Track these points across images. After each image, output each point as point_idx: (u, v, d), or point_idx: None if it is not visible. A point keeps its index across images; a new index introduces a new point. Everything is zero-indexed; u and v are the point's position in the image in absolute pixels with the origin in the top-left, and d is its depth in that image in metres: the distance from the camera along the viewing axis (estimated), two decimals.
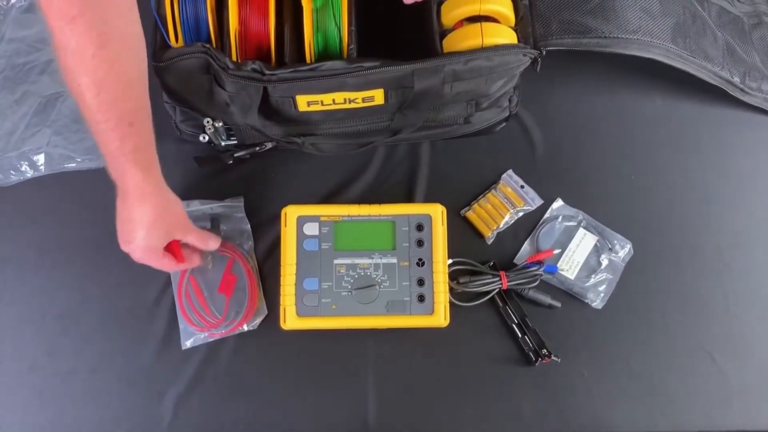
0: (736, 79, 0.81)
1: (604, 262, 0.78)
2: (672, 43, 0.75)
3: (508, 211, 0.78)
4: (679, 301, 0.78)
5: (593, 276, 0.77)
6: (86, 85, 0.56)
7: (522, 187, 0.80)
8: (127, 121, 0.59)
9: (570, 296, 0.77)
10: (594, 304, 0.77)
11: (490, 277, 0.75)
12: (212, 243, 0.73)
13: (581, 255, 0.78)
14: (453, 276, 0.75)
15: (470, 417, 0.74)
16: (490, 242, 0.78)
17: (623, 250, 0.78)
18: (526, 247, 0.79)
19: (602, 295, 0.77)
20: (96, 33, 0.55)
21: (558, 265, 0.77)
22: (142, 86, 0.60)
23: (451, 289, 0.74)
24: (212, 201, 0.79)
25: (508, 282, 0.75)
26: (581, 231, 0.79)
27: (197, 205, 0.79)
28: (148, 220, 0.64)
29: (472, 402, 0.74)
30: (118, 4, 0.57)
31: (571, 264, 0.78)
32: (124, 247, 0.67)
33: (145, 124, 0.61)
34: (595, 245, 0.78)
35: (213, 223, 0.78)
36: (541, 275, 0.76)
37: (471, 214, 0.79)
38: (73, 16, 0.53)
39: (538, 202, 0.80)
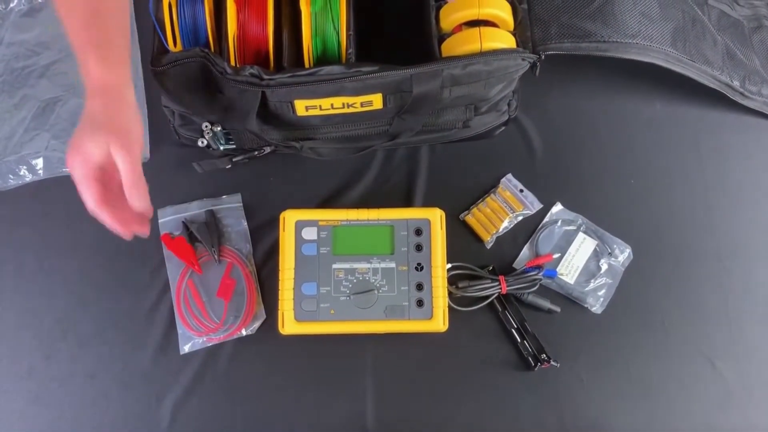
0: (736, 83, 0.81)
1: (604, 267, 0.78)
2: (671, 47, 0.75)
3: (508, 215, 0.78)
4: (679, 306, 0.77)
5: (593, 281, 0.77)
6: None
7: (521, 191, 0.80)
8: (96, 8, 0.58)
9: (569, 301, 0.77)
10: (593, 309, 0.76)
11: (489, 281, 0.75)
12: (137, 199, 0.58)
13: (581, 259, 0.78)
14: (452, 281, 0.75)
15: (469, 421, 0.74)
16: (489, 246, 0.78)
17: (623, 254, 0.78)
18: (525, 251, 0.79)
19: (602, 299, 0.77)
20: None
21: (557, 270, 0.77)
22: None
23: (450, 294, 0.74)
24: (210, 199, 0.79)
25: (508, 287, 0.74)
26: (581, 235, 0.79)
27: (197, 206, 0.79)
28: (92, 111, 0.57)
29: (470, 407, 0.74)
30: None
31: (570, 269, 0.78)
32: (68, 149, 0.58)
33: (115, 17, 0.60)
34: (595, 249, 0.78)
35: (208, 216, 0.78)
36: (541, 280, 0.75)
37: (470, 219, 0.79)
38: None
39: (538, 206, 0.80)
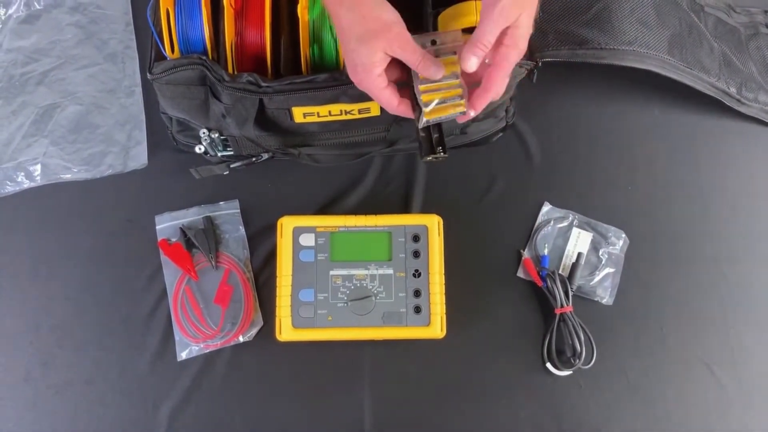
0: (733, 90, 0.81)
1: (604, 257, 0.78)
2: (668, 54, 0.75)
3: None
4: (677, 312, 0.77)
5: (597, 272, 0.77)
6: None
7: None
8: None
9: (578, 298, 0.77)
10: (604, 301, 0.77)
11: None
12: (432, 70, 0.58)
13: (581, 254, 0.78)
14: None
15: (467, 428, 0.74)
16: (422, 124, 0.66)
17: (620, 241, 0.79)
18: (526, 255, 0.78)
19: (609, 290, 0.77)
20: None
21: (560, 272, 0.77)
22: None
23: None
24: (208, 205, 0.80)
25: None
26: (575, 230, 0.79)
27: (195, 212, 0.79)
28: (351, 23, 0.56)
29: (468, 413, 0.74)
30: None
31: (571, 265, 0.78)
32: (351, 75, 0.59)
33: None
34: (592, 242, 0.79)
35: (205, 222, 0.78)
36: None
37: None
38: None
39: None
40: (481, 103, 0.60)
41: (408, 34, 0.57)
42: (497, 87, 0.59)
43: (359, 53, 0.57)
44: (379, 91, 0.59)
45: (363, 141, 0.76)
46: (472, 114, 0.60)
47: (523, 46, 0.58)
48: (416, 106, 0.60)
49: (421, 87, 0.59)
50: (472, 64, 0.57)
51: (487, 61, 0.59)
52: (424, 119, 0.60)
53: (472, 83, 0.61)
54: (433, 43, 0.60)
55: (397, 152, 0.81)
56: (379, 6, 0.57)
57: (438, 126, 0.62)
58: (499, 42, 0.57)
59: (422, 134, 0.61)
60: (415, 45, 0.58)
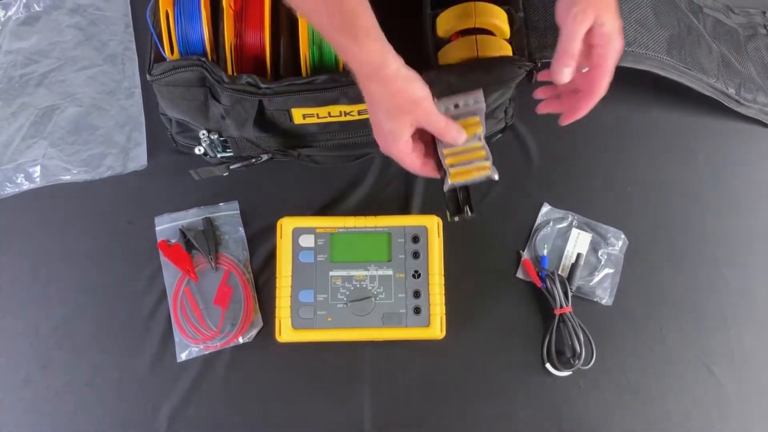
0: (732, 91, 0.81)
1: (603, 258, 0.78)
2: (667, 55, 0.75)
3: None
4: (676, 312, 0.78)
5: (596, 272, 0.78)
6: None
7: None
8: None
9: (578, 299, 0.77)
10: (603, 302, 0.77)
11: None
12: (454, 136, 0.61)
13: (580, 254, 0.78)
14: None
15: (466, 429, 0.74)
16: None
17: (619, 241, 0.79)
18: (525, 256, 0.79)
19: (609, 290, 0.77)
20: None
21: (560, 272, 0.77)
22: None
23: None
24: (207, 206, 0.80)
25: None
26: (575, 231, 0.79)
27: (195, 213, 0.79)
28: (379, 97, 0.58)
29: (468, 414, 0.74)
30: None
31: (571, 265, 0.78)
32: (377, 140, 0.62)
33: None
34: (591, 242, 0.79)
35: (205, 224, 0.78)
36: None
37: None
38: None
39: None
40: (587, 106, 0.62)
41: (434, 107, 0.60)
42: (600, 90, 0.60)
43: (388, 124, 0.59)
44: (404, 156, 0.62)
45: (362, 142, 0.76)
46: (576, 118, 0.63)
47: (616, 41, 0.58)
48: (441, 169, 0.62)
49: (445, 151, 0.62)
50: (564, 76, 0.59)
51: (584, 70, 0.60)
52: (450, 182, 0.62)
53: (572, 90, 0.63)
54: (456, 106, 0.63)
55: None
56: (410, 82, 0.58)
57: (465, 187, 0.63)
58: (589, 45, 0.58)
59: (449, 195, 0.64)
60: (439, 115, 0.60)
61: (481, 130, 0.62)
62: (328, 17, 0.56)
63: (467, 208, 0.63)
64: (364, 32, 0.56)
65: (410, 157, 0.62)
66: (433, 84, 0.60)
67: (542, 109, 0.68)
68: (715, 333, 0.77)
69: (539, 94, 0.69)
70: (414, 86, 0.58)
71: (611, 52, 0.58)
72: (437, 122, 0.60)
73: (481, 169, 0.62)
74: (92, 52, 0.86)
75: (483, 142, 0.62)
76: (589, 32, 0.57)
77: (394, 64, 0.57)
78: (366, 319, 0.73)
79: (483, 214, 0.80)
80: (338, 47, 0.58)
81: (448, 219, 0.63)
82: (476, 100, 0.64)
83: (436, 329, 0.72)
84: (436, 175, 0.63)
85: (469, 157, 0.62)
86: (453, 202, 0.63)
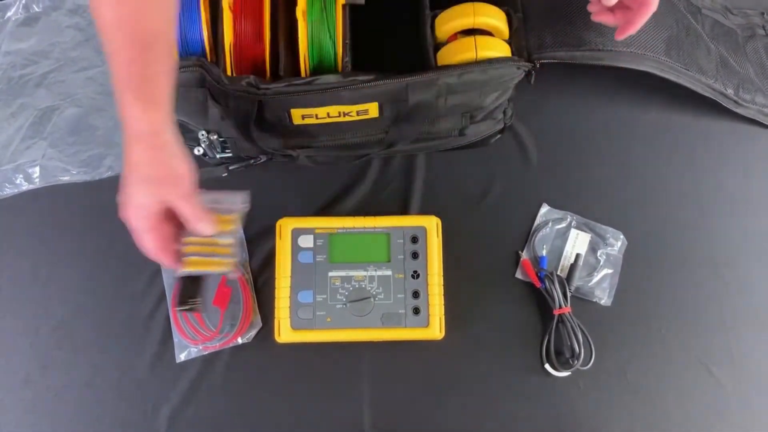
0: (730, 91, 0.81)
1: (602, 258, 0.78)
2: (665, 55, 0.75)
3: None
4: (675, 313, 0.78)
5: (595, 273, 0.78)
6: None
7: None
8: (142, 42, 0.52)
9: (577, 299, 0.77)
10: (602, 302, 0.77)
11: None
12: (203, 226, 0.58)
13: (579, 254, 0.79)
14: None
15: (466, 429, 0.74)
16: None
17: (618, 242, 0.79)
18: (524, 256, 0.79)
19: (608, 290, 0.77)
20: None
21: (559, 273, 0.77)
22: (167, 13, 0.54)
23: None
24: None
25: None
26: (573, 231, 0.79)
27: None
28: (141, 164, 0.54)
29: (467, 414, 0.74)
30: None
31: (570, 266, 0.78)
32: (121, 205, 0.57)
33: (161, 53, 0.54)
34: (590, 242, 0.79)
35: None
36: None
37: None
38: None
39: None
40: (638, 22, 0.65)
41: (194, 188, 0.57)
42: (650, 4, 0.64)
43: (139, 194, 0.55)
44: (142, 233, 0.56)
45: (361, 142, 0.76)
46: (629, 33, 0.67)
47: None
48: (180, 256, 0.59)
49: (189, 239, 0.59)
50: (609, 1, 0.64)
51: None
52: (182, 270, 0.59)
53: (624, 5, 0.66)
54: (216, 201, 0.61)
55: (396, 154, 0.82)
56: (177, 157, 0.56)
57: (198, 278, 0.61)
58: None
59: (178, 282, 0.61)
60: (197, 199, 0.57)
61: (236, 229, 0.61)
62: (127, 71, 0.53)
63: (192, 300, 0.61)
64: (156, 99, 0.54)
65: (148, 237, 0.56)
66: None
67: (596, 18, 0.70)
68: (714, 333, 0.77)
69: (592, 5, 0.70)
70: (182, 162, 0.56)
71: None
72: (192, 205, 0.56)
73: (222, 264, 0.60)
74: (92, 52, 0.86)
75: (235, 241, 0.61)
76: None
77: (170, 134, 0.55)
78: (365, 319, 0.73)
79: (482, 214, 0.81)
80: (122, 101, 0.54)
81: (177, 306, 0.61)
82: (243, 200, 0.62)
83: (435, 330, 0.72)
84: (173, 266, 0.59)
85: (214, 250, 0.60)
86: (181, 291, 0.61)
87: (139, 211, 0.55)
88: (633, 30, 0.67)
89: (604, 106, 0.85)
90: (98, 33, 0.53)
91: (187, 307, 0.61)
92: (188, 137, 0.76)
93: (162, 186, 0.55)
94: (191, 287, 0.61)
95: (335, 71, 0.71)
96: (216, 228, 0.59)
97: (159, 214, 0.56)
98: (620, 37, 0.68)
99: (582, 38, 0.73)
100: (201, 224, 0.57)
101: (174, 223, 0.58)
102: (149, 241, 0.57)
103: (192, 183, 0.57)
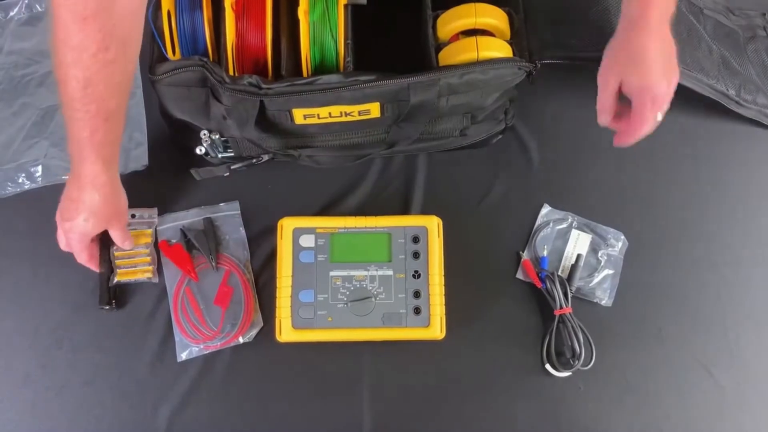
0: (732, 92, 0.81)
1: (603, 259, 0.78)
2: None
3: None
4: (675, 314, 0.78)
5: (596, 274, 0.78)
6: (76, 78, 0.58)
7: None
8: (104, 116, 0.62)
9: (577, 300, 0.77)
10: (603, 303, 0.77)
11: None
12: (127, 244, 0.75)
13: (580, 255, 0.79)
14: None
15: (466, 430, 0.74)
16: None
17: (618, 242, 0.79)
18: (525, 257, 0.79)
19: (609, 291, 0.77)
20: (102, 35, 0.56)
21: (560, 273, 0.77)
22: (126, 88, 0.64)
23: None
24: (208, 206, 0.80)
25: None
26: (574, 232, 0.79)
27: (195, 213, 0.79)
28: (95, 206, 0.68)
29: (467, 414, 0.74)
30: (128, 9, 0.58)
31: (571, 266, 0.78)
32: (62, 224, 0.71)
33: (118, 121, 0.65)
34: (591, 243, 0.79)
35: (206, 224, 0.78)
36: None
37: None
38: (85, 17, 0.55)
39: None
40: (628, 141, 0.68)
41: (126, 219, 0.74)
42: (635, 132, 0.67)
43: (87, 223, 0.69)
44: (81, 249, 0.72)
45: (363, 142, 0.77)
46: (620, 145, 0.69)
47: (646, 94, 0.65)
48: (108, 265, 0.75)
49: (117, 253, 0.76)
50: (603, 121, 0.70)
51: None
52: (115, 279, 0.75)
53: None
54: (133, 216, 0.77)
55: (397, 153, 0.82)
56: (122, 198, 0.72)
57: (116, 285, 0.76)
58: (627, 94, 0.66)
59: (104, 286, 0.75)
60: (125, 227, 0.74)
61: (150, 241, 0.77)
62: (90, 137, 0.63)
63: (114, 301, 0.75)
64: (113, 158, 0.67)
65: (85, 252, 0.72)
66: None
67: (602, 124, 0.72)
68: (714, 334, 0.77)
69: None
70: (125, 201, 0.72)
71: (641, 103, 0.65)
72: (123, 231, 0.73)
73: (145, 272, 0.76)
74: None
75: (151, 250, 0.77)
76: (622, 86, 0.66)
77: (118, 181, 0.70)
78: (366, 319, 0.73)
79: (483, 214, 0.81)
80: (82, 157, 0.65)
81: (99, 305, 0.75)
82: (151, 214, 0.78)
83: (436, 329, 0.72)
84: (97, 269, 0.75)
85: (135, 261, 0.76)
86: (105, 292, 0.75)
87: (82, 236, 0.70)
88: (622, 144, 0.68)
89: None
90: (62, 100, 0.61)
91: (106, 306, 0.75)
92: (190, 136, 0.76)
93: (110, 220, 0.71)
94: (112, 291, 0.76)
95: (337, 71, 0.71)
96: (132, 244, 0.75)
97: (94, 238, 0.73)
98: (615, 144, 0.69)
99: (583, 39, 0.73)
100: (126, 243, 0.74)
101: (97, 239, 0.74)
102: (84, 256, 0.73)
103: (125, 210, 0.73)
